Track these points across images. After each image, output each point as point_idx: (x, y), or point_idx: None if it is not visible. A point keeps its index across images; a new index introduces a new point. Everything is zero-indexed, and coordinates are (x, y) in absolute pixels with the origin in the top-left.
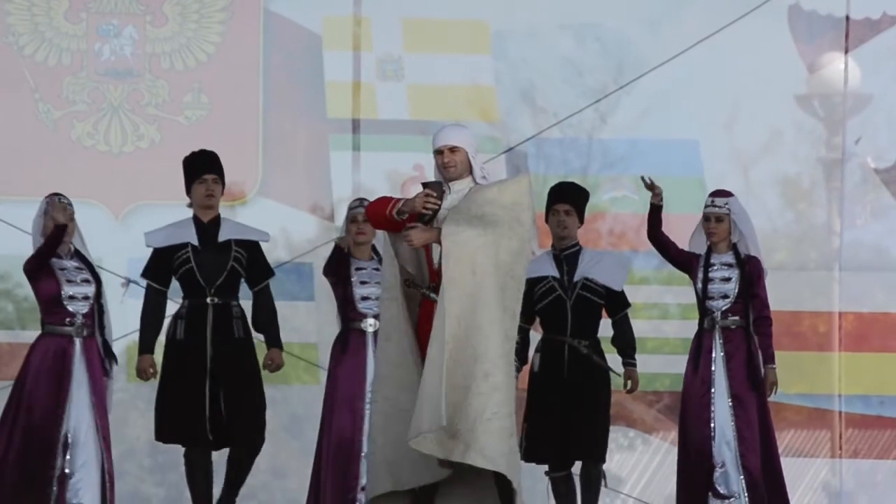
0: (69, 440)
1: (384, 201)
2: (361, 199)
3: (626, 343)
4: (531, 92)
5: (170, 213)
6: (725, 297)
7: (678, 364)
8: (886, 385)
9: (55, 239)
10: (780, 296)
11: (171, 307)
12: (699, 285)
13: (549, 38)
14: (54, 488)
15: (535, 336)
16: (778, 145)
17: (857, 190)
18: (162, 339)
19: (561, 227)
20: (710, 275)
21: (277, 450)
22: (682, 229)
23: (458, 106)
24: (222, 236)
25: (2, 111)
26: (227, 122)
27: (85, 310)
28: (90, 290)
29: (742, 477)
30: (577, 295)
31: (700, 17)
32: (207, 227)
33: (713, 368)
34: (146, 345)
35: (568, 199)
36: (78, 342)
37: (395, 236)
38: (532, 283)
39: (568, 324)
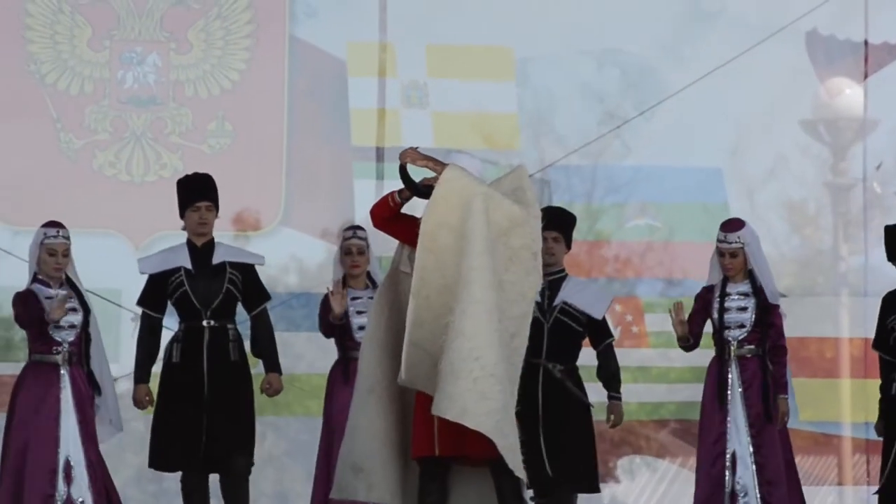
0: (72, 468)
1: (385, 196)
2: (355, 228)
3: (609, 375)
4: (551, 118)
5: None
6: (742, 326)
7: (683, 391)
8: None
9: (38, 322)
10: (786, 321)
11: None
12: (715, 315)
13: (569, 64)
14: None
15: None
16: (784, 170)
17: (863, 214)
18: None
19: (548, 255)
20: (727, 304)
21: (281, 475)
22: (704, 256)
23: (481, 133)
24: (216, 259)
25: (23, 140)
26: (251, 150)
27: (71, 338)
28: (77, 318)
29: None
30: (554, 319)
31: (719, 43)
32: (201, 250)
33: (730, 398)
34: (142, 374)
35: (555, 225)
36: (65, 371)
37: (410, 248)
38: None
39: (543, 347)
